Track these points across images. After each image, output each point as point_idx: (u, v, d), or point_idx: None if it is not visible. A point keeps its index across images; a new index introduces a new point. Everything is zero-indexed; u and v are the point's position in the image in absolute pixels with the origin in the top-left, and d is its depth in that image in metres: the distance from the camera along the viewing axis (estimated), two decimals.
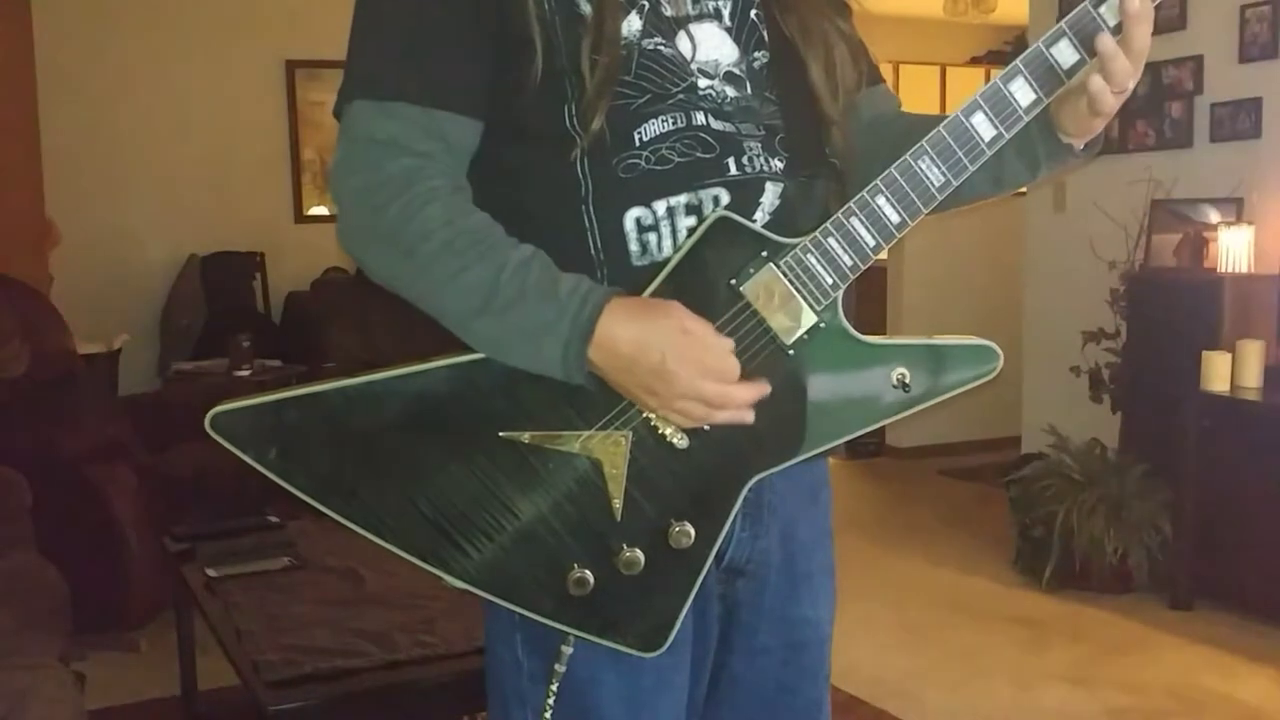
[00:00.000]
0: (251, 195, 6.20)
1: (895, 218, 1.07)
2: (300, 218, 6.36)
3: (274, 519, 2.99)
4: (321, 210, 6.35)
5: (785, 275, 1.07)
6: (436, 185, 1.06)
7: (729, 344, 1.05)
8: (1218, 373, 3.69)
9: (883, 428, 6.04)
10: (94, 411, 3.73)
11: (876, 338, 1.12)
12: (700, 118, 1.10)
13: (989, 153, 1.08)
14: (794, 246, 1.07)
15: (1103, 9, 1.06)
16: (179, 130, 5.99)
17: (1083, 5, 1.06)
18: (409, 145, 1.05)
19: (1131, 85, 1.08)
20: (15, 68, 4.52)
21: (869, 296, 5.98)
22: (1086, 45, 1.06)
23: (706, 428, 1.06)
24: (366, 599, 2.41)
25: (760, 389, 1.06)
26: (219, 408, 1.05)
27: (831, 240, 1.07)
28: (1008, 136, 1.08)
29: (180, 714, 2.98)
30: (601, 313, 1.02)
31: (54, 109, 5.16)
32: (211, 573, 2.61)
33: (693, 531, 1.08)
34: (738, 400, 1.05)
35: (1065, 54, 1.07)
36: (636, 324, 1.02)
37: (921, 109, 1.33)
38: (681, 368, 1.01)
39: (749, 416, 1.06)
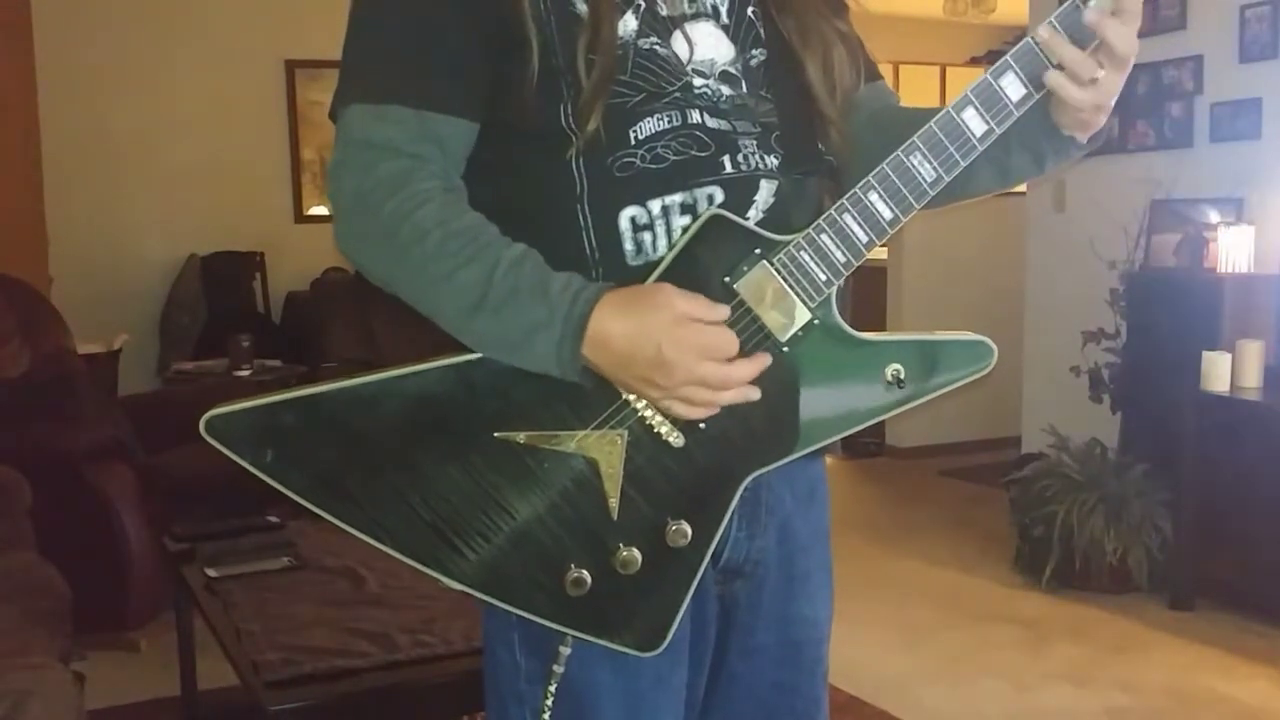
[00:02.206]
0: (251, 195, 6.20)
1: (888, 214, 1.07)
2: (300, 218, 6.36)
3: (274, 519, 2.99)
4: (321, 210, 6.35)
5: (779, 272, 1.07)
6: (429, 187, 1.06)
7: (724, 311, 1.04)
8: (1218, 373, 3.69)
9: (882, 428, 6.06)
10: (94, 411, 3.73)
11: (871, 334, 1.11)
12: (696, 116, 1.10)
13: (980, 148, 1.08)
14: (787, 244, 1.07)
15: (1090, 4, 1.06)
16: (179, 130, 5.99)
17: (1071, 0, 1.06)
18: (402, 148, 1.06)
19: (1105, 80, 1.06)
20: (15, 68, 4.53)
21: (868, 296, 5.99)
22: (1076, 40, 1.06)
23: (702, 425, 1.06)
24: (366, 599, 2.41)
25: (761, 361, 1.05)
26: (213, 411, 1.05)
27: (824, 237, 1.07)
28: (999, 131, 1.08)
29: (180, 714, 2.98)
30: (593, 310, 1.02)
31: (54, 109, 5.17)
32: (211, 573, 2.61)
33: (689, 530, 1.08)
34: (739, 378, 1.04)
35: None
36: (628, 318, 1.02)
37: None
38: (679, 355, 1.01)
39: (754, 394, 1.05)
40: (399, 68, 1.07)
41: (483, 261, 1.03)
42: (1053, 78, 1.06)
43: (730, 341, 1.04)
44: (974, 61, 8.19)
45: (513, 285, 1.02)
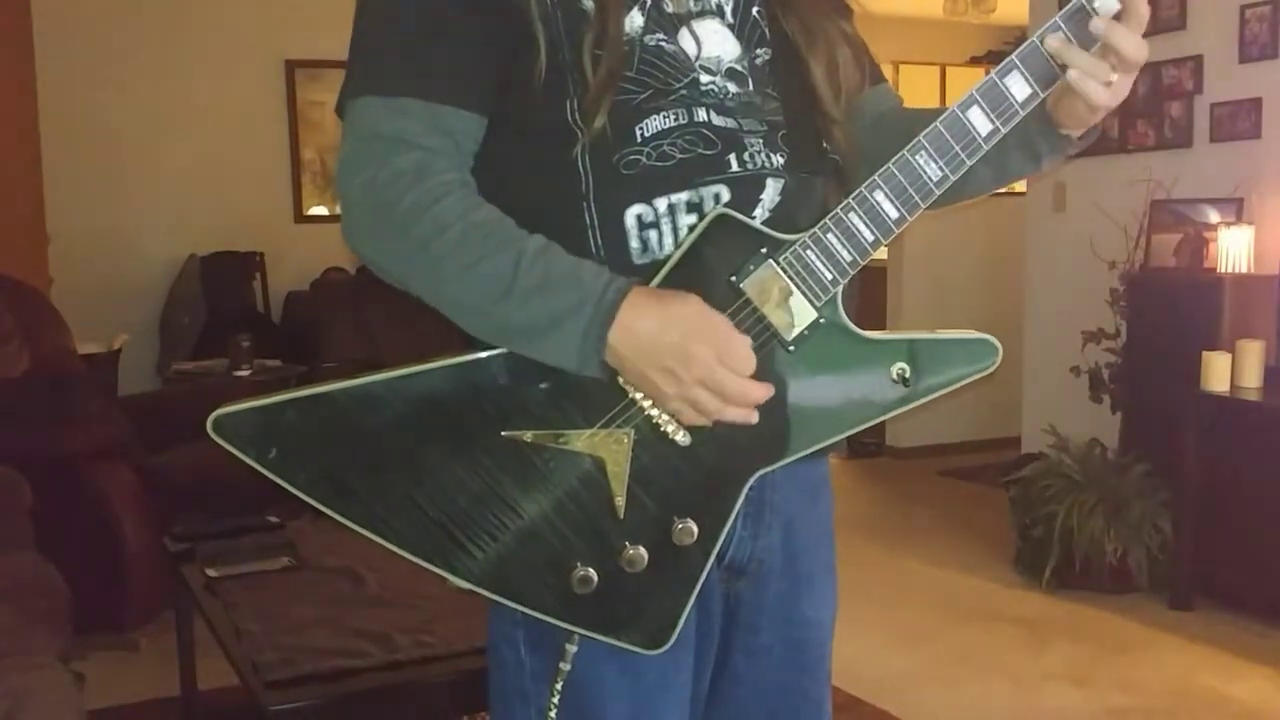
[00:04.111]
0: (251, 195, 6.20)
1: (894, 213, 1.07)
2: (300, 218, 6.36)
3: (274, 519, 2.99)
4: (321, 210, 6.35)
5: (785, 271, 1.07)
6: (448, 180, 1.05)
7: (747, 339, 1.05)
8: (1218, 373, 3.69)
9: (882, 427, 6.06)
10: (94, 411, 3.72)
11: (876, 333, 1.12)
12: (702, 114, 1.10)
13: (986, 147, 1.08)
14: (793, 243, 1.07)
15: (1096, 4, 1.06)
16: (179, 130, 5.99)
17: (1076, 3, 1.06)
18: (416, 140, 1.05)
19: (1117, 78, 1.07)
20: (15, 68, 4.52)
21: (869, 296, 5.97)
22: (1082, 39, 1.06)
23: (708, 424, 1.06)
24: (366, 599, 2.41)
25: (768, 389, 1.06)
26: (221, 410, 1.04)
27: (830, 236, 1.07)
28: (1004, 131, 1.08)
29: (180, 714, 2.98)
30: (624, 298, 1.02)
31: (54, 109, 5.16)
32: (211, 573, 2.61)
33: (695, 529, 1.08)
34: (753, 396, 1.05)
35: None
36: (657, 308, 1.02)
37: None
38: (701, 349, 1.01)
39: (754, 417, 1.06)
40: (410, 60, 1.07)
41: (507, 251, 1.03)
42: (1076, 79, 1.06)
43: (749, 358, 1.04)
44: (974, 61, 8.20)
45: (542, 273, 1.02)
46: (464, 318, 1.06)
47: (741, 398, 1.04)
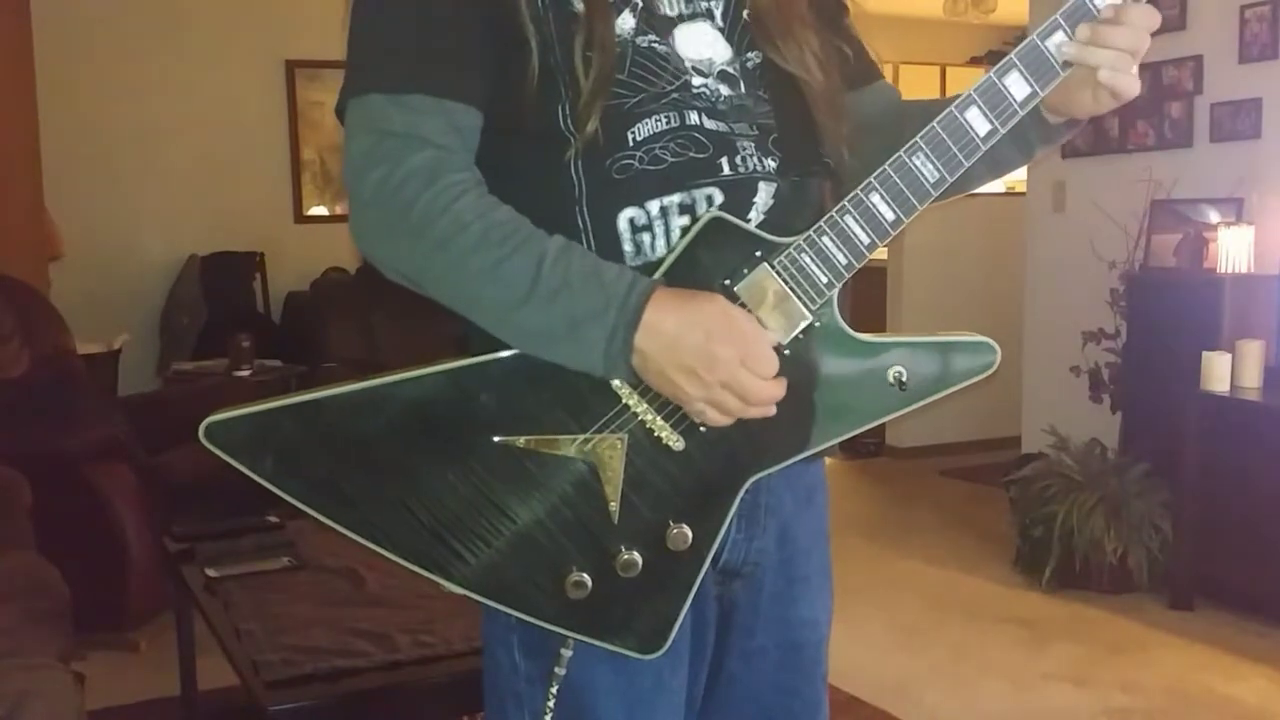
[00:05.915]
0: (251, 195, 6.20)
1: (890, 215, 1.07)
2: (300, 218, 6.35)
3: (274, 519, 2.99)
4: (321, 210, 6.34)
5: (779, 275, 1.06)
6: (463, 178, 1.05)
7: (771, 337, 1.04)
8: (1218, 373, 3.69)
9: (883, 428, 6.04)
10: (94, 411, 3.73)
11: (873, 336, 1.11)
12: (694, 117, 1.10)
13: (984, 148, 1.07)
14: (788, 246, 1.06)
15: (1097, 1, 1.05)
16: (179, 130, 5.99)
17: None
18: (428, 137, 1.04)
19: (1125, 64, 1.06)
20: (15, 67, 4.52)
21: (869, 297, 5.98)
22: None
23: (702, 429, 1.06)
24: (366, 599, 2.41)
25: (784, 385, 1.05)
26: (213, 417, 1.04)
27: (825, 239, 1.06)
28: (1003, 131, 1.07)
29: (180, 714, 2.98)
30: (648, 300, 1.01)
31: (54, 109, 5.16)
32: (211, 573, 2.61)
33: (690, 533, 1.08)
34: (774, 396, 1.04)
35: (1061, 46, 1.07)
36: (682, 308, 1.02)
37: None
38: (725, 352, 1.01)
39: (771, 413, 1.06)
40: (414, 57, 1.05)
41: (529, 251, 1.02)
42: (1108, 77, 1.05)
43: (773, 360, 1.04)
44: (974, 61, 8.20)
45: (564, 274, 1.02)
46: (483, 319, 1.05)
47: (762, 399, 1.04)
